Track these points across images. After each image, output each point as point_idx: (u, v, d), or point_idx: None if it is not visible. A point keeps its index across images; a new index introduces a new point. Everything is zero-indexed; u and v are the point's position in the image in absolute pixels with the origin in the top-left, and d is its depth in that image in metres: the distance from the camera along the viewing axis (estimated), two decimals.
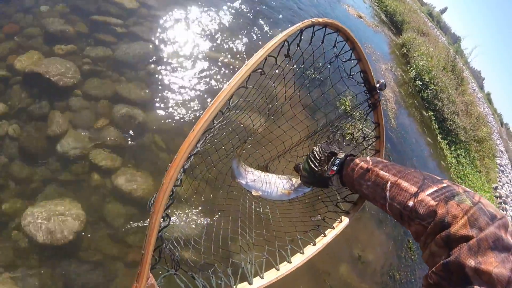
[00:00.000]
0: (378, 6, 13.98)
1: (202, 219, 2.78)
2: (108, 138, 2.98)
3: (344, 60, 1.03)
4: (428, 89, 9.32)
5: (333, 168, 0.89)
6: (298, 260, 0.88)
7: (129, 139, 3.08)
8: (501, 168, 13.13)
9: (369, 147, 1.20)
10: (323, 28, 0.90)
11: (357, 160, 0.87)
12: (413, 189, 0.66)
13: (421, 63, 9.75)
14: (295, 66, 0.96)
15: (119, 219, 2.59)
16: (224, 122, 0.80)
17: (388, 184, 0.73)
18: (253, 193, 1.17)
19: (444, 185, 0.63)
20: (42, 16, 3.81)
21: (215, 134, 0.94)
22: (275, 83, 0.99)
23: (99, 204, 2.65)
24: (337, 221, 1.03)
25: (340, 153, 0.92)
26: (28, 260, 2.31)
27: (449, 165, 8.07)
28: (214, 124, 0.69)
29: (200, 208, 2.83)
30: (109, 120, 3.08)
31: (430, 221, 0.59)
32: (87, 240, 2.46)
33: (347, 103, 4.95)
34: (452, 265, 0.52)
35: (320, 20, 0.86)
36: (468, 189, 0.63)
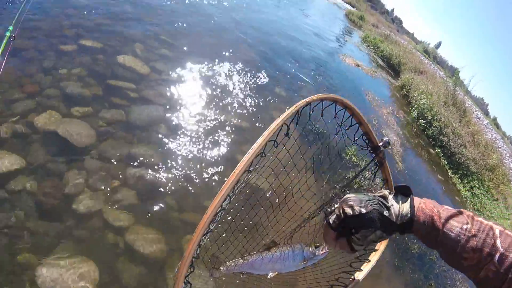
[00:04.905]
0: (374, 52, 16.60)
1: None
2: (122, 198, 3.68)
3: (346, 128, 1.35)
4: (432, 126, 10.83)
5: (407, 212, 0.88)
6: None
7: (141, 198, 3.76)
8: None
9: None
10: (320, 103, 1.19)
11: (418, 201, 0.91)
12: None
13: (422, 102, 11.54)
14: (296, 142, 1.30)
15: (131, 279, 3.14)
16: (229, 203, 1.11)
17: (497, 231, 0.81)
18: (270, 275, 1.41)
19: None
20: (61, 78, 4.90)
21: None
22: (281, 158, 1.33)
23: (112, 262, 3.20)
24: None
25: (390, 195, 0.95)
26: None
27: (464, 199, 9.00)
28: (223, 206, 1.02)
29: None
30: (122, 180, 3.83)
31: None
32: None
33: (353, 155, 6.02)
34: None
35: (315, 97, 1.14)
36: None
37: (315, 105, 1.19)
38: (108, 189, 3.81)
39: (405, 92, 12.77)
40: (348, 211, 0.86)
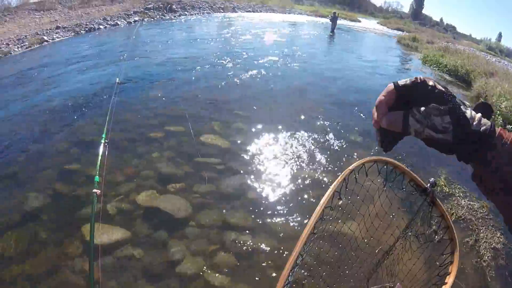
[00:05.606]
0: (438, 69, 15.93)
1: None
2: (221, 260, 3.91)
3: (391, 181, 1.54)
4: None
5: (487, 123, 0.68)
6: None
7: (239, 260, 3.95)
8: None
9: (443, 237, 1.57)
10: (363, 166, 1.37)
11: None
12: None
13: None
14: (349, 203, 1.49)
15: None
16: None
17: None
18: None
19: None
20: (154, 161, 5.57)
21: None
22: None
23: None
24: None
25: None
26: None
27: None
28: (297, 263, 1.20)
29: None
30: (220, 244, 4.08)
31: None
32: None
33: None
34: None
35: (356, 164, 1.35)
36: None
37: (359, 169, 1.36)
38: (208, 254, 4.07)
39: (483, 101, 11.93)
40: (428, 80, 0.72)
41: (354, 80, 12.23)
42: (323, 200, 1.28)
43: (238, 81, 10.24)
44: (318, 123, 7.84)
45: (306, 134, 7.10)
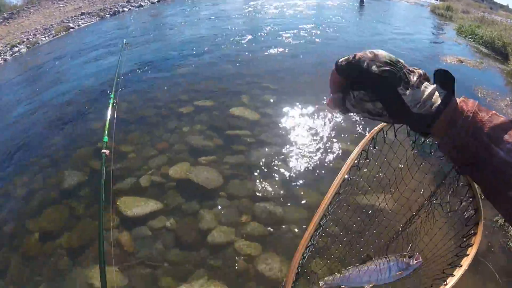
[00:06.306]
0: (474, 41, 15.00)
1: None
2: (251, 230, 3.96)
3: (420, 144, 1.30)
4: None
5: (434, 104, 0.62)
6: None
7: (268, 229, 3.99)
8: None
9: (468, 207, 1.42)
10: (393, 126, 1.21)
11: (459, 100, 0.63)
12: None
13: None
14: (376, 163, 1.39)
15: None
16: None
17: None
18: (366, 287, 1.50)
19: None
20: (185, 135, 5.64)
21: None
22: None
23: (243, 287, 3.48)
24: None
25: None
26: None
27: None
28: (321, 224, 1.21)
29: None
30: (251, 214, 4.13)
31: None
32: None
33: None
34: None
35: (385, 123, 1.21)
36: None
37: (388, 128, 1.25)
38: (238, 223, 4.10)
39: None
40: (359, 58, 0.64)
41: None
42: (350, 158, 1.22)
43: (266, 55, 10.08)
44: None
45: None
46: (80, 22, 17.15)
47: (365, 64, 0.63)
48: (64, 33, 16.06)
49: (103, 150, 3.46)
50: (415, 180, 1.51)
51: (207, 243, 3.90)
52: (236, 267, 3.66)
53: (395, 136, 1.25)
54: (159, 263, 3.72)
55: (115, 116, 4.16)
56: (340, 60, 0.66)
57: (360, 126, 6.08)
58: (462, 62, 11.43)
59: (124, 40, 8.03)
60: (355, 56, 0.65)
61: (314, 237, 1.25)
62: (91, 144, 5.83)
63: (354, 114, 0.71)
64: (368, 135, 1.26)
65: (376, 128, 1.26)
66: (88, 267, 3.73)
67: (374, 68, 0.63)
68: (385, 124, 1.21)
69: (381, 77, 0.62)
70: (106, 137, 3.69)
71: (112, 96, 4.56)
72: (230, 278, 3.56)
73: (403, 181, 1.53)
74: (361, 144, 1.23)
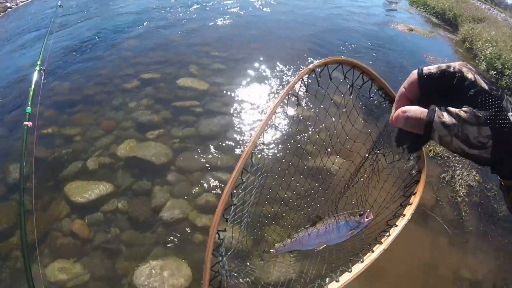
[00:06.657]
0: (425, 10, 15.71)
1: None
2: (204, 201, 3.97)
3: (358, 86, 1.31)
4: (505, 76, 9.96)
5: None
6: (346, 277, 1.23)
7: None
8: None
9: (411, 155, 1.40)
10: (325, 67, 1.17)
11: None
12: None
13: (488, 52, 10.65)
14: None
15: None
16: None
17: None
18: (318, 249, 1.48)
19: None
20: (132, 111, 5.43)
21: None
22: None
23: (203, 258, 3.76)
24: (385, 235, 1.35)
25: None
26: None
27: None
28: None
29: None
30: (202, 186, 4.12)
31: None
32: None
33: None
34: None
35: (318, 63, 1.13)
36: None
37: (320, 71, 1.15)
38: (191, 196, 4.09)
39: (468, 45, 11.86)
40: (466, 71, 0.53)
41: (335, 21, 11.71)
42: (274, 103, 1.07)
43: (214, 23, 9.75)
44: (297, 57, 7.59)
45: (284, 67, 6.89)
46: (18, 1, 15.77)
47: (471, 75, 0.52)
48: (2, 14, 14.77)
49: (25, 123, 3.13)
50: (356, 128, 1.45)
51: (161, 220, 3.89)
52: (194, 240, 3.71)
53: (330, 79, 1.16)
54: (116, 246, 3.67)
55: (42, 83, 3.86)
56: (426, 69, 0.56)
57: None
58: (412, 30, 11.88)
59: (59, 1, 7.19)
60: (449, 66, 0.54)
61: (237, 196, 1.05)
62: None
63: (436, 142, 0.55)
64: (296, 77, 1.10)
65: (306, 69, 1.12)
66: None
67: (482, 82, 0.52)
68: (317, 64, 1.10)
69: (494, 94, 0.51)
70: (29, 107, 3.36)
71: (38, 62, 4.12)
72: (188, 252, 3.59)
73: (343, 130, 1.45)
74: (289, 85, 1.08)
